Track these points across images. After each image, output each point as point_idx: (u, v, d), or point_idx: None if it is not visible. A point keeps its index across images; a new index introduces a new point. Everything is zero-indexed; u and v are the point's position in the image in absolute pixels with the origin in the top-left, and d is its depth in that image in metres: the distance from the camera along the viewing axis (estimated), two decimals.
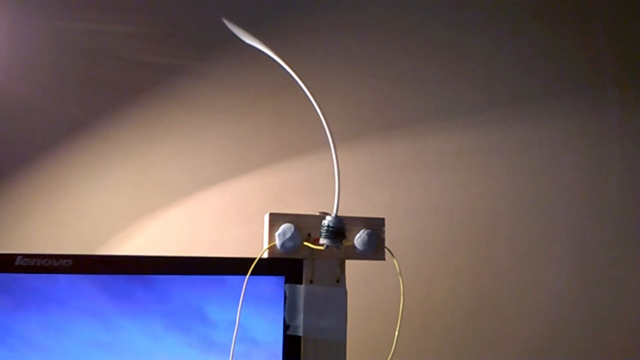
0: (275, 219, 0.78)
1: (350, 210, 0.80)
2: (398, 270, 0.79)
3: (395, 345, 0.79)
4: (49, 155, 1.10)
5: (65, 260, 0.71)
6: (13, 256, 0.70)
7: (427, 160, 1.24)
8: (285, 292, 0.77)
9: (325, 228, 0.75)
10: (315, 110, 0.79)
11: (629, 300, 1.26)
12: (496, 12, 1.30)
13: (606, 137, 1.31)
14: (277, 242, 0.76)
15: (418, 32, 1.28)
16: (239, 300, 0.73)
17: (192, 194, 1.14)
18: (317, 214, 0.79)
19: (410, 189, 1.22)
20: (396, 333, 0.79)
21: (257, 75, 1.19)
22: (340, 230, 0.75)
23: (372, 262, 0.81)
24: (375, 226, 0.80)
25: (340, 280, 0.79)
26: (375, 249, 0.79)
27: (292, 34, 1.22)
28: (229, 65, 1.19)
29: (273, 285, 0.77)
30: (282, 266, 0.77)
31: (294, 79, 0.81)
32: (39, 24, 1.10)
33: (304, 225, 0.78)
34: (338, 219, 0.76)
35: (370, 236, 0.79)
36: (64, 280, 0.71)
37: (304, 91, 0.80)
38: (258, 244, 0.80)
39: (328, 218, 0.76)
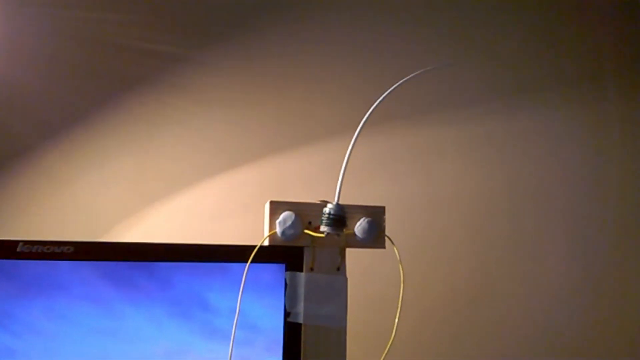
0: (276, 207, 0.78)
1: (349, 199, 0.80)
2: (398, 257, 0.79)
3: (395, 333, 0.80)
4: (51, 144, 1.10)
5: (66, 247, 0.71)
6: (15, 243, 0.70)
7: (427, 151, 1.24)
8: (286, 280, 0.77)
9: (327, 215, 0.76)
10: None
11: (629, 293, 1.27)
12: (498, 3, 1.30)
13: (607, 128, 1.31)
14: (278, 229, 0.77)
15: (420, 23, 1.27)
16: (240, 287, 0.74)
17: (193, 184, 1.14)
18: (318, 202, 0.79)
19: (410, 180, 1.23)
20: (396, 320, 0.80)
21: (259, 66, 1.19)
22: (341, 217, 0.75)
23: (372, 251, 0.81)
24: (376, 214, 0.80)
25: (340, 268, 0.80)
26: (375, 237, 0.80)
27: (294, 23, 1.22)
28: (231, 56, 1.19)
29: (274, 272, 0.78)
30: (283, 254, 0.78)
31: None
32: (39, 11, 1.09)
33: (305, 213, 0.78)
34: (339, 206, 0.76)
35: (370, 224, 0.79)
36: (65, 267, 0.71)
37: None
38: (258, 234, 0.80)
39: (329, 206, 0.76)
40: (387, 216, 0.81)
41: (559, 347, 1.23)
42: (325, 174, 1.17)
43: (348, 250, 0.80)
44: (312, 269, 0.78)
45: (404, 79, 0.80)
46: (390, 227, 0.82)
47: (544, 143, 1.28)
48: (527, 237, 1.25)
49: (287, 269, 0.78)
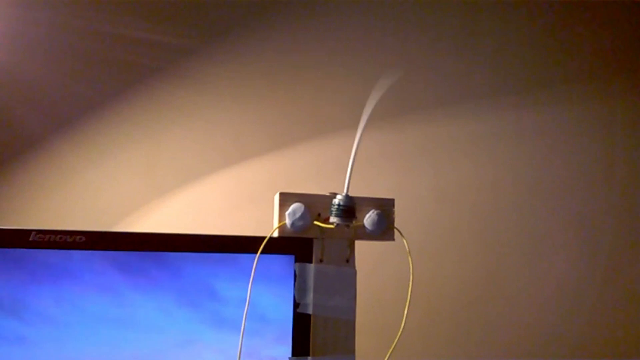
0: (286, 199, 0.78)
1: (360, 192, 0.80)
2: (407, 249, 0.79)
3: (404, 324, 0.80)
4: (62, 136, 1.11)
5: (78, 237, 0.72)
6: (28, 232, 0.70)
7: (437, 146, 1.24)
8: (295, 271, 0.77)
9: (336, 206, 0.76)
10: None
11: (635, 289, 1.26)
12: (507, 0, 1.30)
13: (615, 124, 1.30)
14: (287, 221, 0.77)
15: (429, 19, 1.27)
16: (249, 278, 0.74)
17: (203, 176, 1.15)
18: (327, 194, 0.79)
19: (420, 174, 1.23)
20: (405, 312, 0.79)
21: (268, 60, 1.20)
22: (350, 208, 0.76)
23: (381, 243, 0.81)
24: (385, 207, 0.80)
25: (349, 260, 0.80)
26: (384, 229, 0.80)
27: (302, 20, 1.23)
28: (242, 49, 1.19)
29: (283, 263, 0.78)
30: (292, 245, 0.78)
31: None
32: (50, 5, 1.10)
33: (314, 204, 0.78)
34: (349, 197, 0.76)
35: (380, 216, 0.79)
36: (77, 256, 0.72)
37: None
38: (267, 226, 0.81)
39: (339, 196, 0.76)
40: (397, 209, 0.81)
41: (567, 339, 1.23)
42: (335, 167, 1.17)
43: (357, 242, 0.80)
44: (321, 261, 0.79)
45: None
46: (399, 220, 0.82)
47: (552, 139, 1.28)
48: (534, 232, 1.25)
49: (296, 261, 0.78)
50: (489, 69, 1.28)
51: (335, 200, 0.76)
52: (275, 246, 0.77)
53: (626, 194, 1.28)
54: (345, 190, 0.77)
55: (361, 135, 0.76)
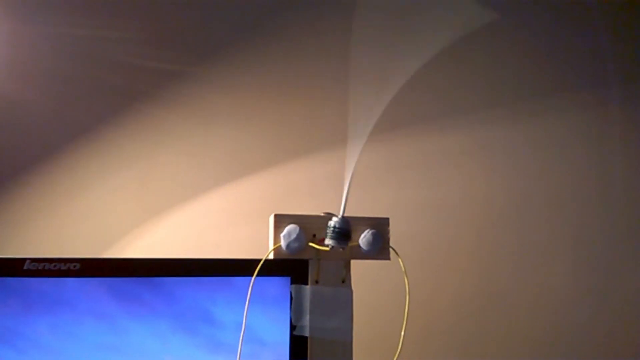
0: (280, 220, 0.78)
1: (354, 209, 0.80)
2: (403, 269, 0.79)
3: (402, 345, 0.79)
4: (56, 159, 1.11)
5: (73, 264, 0.71)
6: (22, 260, 0.70)
7: (432, 159, 1.24)
8: (291, 293, 0.77)
9: (331, 229, 0.76)
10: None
11: (635, 298, 1.26)
12: (499, 11, 1.30)
13: (610, 133, 1.31)
14: (283, 243, 0.77)
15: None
16: (245, 301, 0.74)
17: (197, 196, 1.15)
18: (322, 214, 0.79)
19: (414, 188, 1.23)
20: (402, 332, 0.79)
21: (259, 79, 1.20)
22: (346, 231, 0.76)
23: (378, 262, 0.81)
24: (380, 226, 0.80)
25: (345, 280, 0.80)
26: (380, 248, 0.80)
27: (294, 35, 1.23)
28: (231, 69, 1.19)
29: (279, 286, 0.78)
30: (288, 267, 0.78)
31: None
32: (41, 29, 1.10)
33: (309, 226, 0.78)
34: (344, 220, 0.76)
35: (375, 236, 0.79)
36: (72, 283, 0.71)
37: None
38: (263, 245, 0.81)
39: (334, 219, 0.76)
40: (392, 224, 0.81)
41: (567, 352, 1.23)
42: (329, 183, 1.17)
43: (353, 262, 0.80)
44: (317, 282, 0.78)
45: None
46: (395, 235, 0.82)
47: (547, 149, 1.28)
48: (532, 244, 1.25)
49: (292, 282, 0.78)
50: (481, 82, 1.28)
51: (331, 223, 0.76)
52: (271, 268, 0.77)
53: (622, 205, 1.29)
54: (340, 213, 0.76)
55: (356, 163, 0.76)
